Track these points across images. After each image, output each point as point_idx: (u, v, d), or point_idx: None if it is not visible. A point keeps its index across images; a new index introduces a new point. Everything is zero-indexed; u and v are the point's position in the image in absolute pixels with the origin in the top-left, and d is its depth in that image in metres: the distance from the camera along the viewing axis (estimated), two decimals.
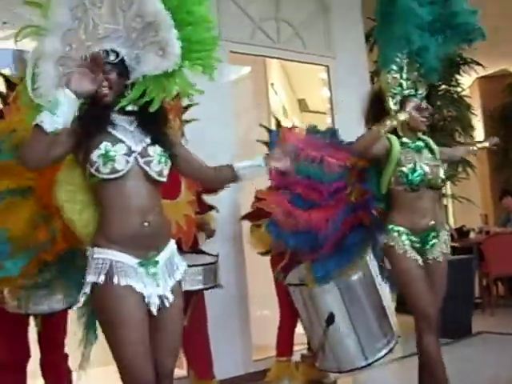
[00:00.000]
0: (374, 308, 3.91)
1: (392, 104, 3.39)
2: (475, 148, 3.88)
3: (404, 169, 3.23)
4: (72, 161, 2.35)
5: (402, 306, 7.27)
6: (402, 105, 3.38)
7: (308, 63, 5.80)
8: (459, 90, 6.80)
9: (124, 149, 2.29)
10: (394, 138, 3.30)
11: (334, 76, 5.73)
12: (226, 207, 4.34)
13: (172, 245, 2.46)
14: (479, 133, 9.32)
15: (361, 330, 3.83)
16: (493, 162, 9.80)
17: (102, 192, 2.30)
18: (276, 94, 6.56)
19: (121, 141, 2.30)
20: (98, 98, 2.30)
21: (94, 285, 2.22)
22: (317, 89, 6.38)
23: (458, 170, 6.20)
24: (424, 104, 3.40)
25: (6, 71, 3.61)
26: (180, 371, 4.33)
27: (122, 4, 2.33)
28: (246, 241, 4.63)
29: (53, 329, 3.41)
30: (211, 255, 3.88)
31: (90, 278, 2.23)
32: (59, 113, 2.11)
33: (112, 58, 2.32)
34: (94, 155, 2.23)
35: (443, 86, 6.63)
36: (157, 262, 2.35)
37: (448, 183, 6.70)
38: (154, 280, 2.32)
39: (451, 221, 8.66)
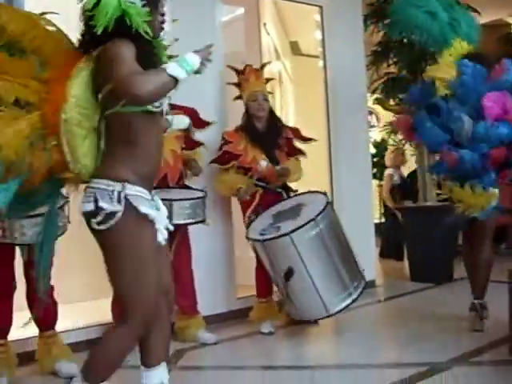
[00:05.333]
0: (335, 260, 3.93)
1: None
2: None
3: None
4: (88, 82, 2.24)
5: (387, 251, 7.46)
6: None
7: (301, 3, 5.71)
8: None
9: None
10: None
11: (327, 18, 5.63)
12: (212, 145, 4.32)
13: None
14: None
15: (320, 284, 3.86)
16: None
17: (136, 125, 2.24)
18: (268, 35, 6.47)
19: None
20: (155, 32, 2.33)
21: (123, 217, 2.18)
22: (310, 31, 6.30)
23: None
24: None
25: None
26: None
27: None
28: None
29: None
30: (198, 190, 3.89)
31: (117, 210, 2.18)
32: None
33: None
34: None
35: None
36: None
37: None
38: (161, 215, 2.37)
39: None
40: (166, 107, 2.38)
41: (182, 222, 3.70)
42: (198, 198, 3.79)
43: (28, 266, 3.44)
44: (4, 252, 3.32)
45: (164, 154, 3.75)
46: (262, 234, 3.96)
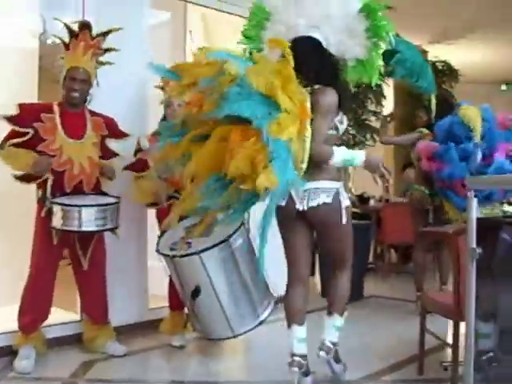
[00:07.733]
0: (246, 282, 3.77)
1: None
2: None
3: None
4: None
5: None
6: None
7: (225, 12, 5.71)
8: None
9: None
10: None
11: None
12: (130, 154, 4.19)
13: None
14: (390, 102, 9.46)
15: (227, 306, 3.72)
16: (398, 131, 10.00)
17: None
18: (193, 42, 6.39)
19: None
20: None
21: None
22: (235, 41, 6.26)
23: (367, 137, 6.28)
24: None
25: None
26: (73, 315, 4.25)
27: None
28: None
29: None
30: (113, 197, 3.79)
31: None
32: None
33: None
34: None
35: None
36: None
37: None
38: None
39: (352, 187, 8.79)
40: None
41: (91, 228, 3.60)
42: (108, 204, 3.68)
43: None
44: None
45: (81, 161, 3.70)
46: (171, 249, 3.81)
